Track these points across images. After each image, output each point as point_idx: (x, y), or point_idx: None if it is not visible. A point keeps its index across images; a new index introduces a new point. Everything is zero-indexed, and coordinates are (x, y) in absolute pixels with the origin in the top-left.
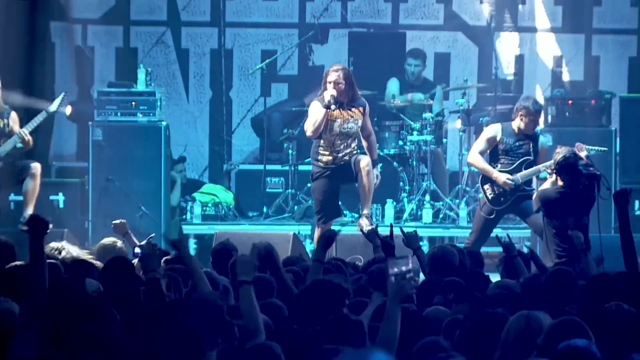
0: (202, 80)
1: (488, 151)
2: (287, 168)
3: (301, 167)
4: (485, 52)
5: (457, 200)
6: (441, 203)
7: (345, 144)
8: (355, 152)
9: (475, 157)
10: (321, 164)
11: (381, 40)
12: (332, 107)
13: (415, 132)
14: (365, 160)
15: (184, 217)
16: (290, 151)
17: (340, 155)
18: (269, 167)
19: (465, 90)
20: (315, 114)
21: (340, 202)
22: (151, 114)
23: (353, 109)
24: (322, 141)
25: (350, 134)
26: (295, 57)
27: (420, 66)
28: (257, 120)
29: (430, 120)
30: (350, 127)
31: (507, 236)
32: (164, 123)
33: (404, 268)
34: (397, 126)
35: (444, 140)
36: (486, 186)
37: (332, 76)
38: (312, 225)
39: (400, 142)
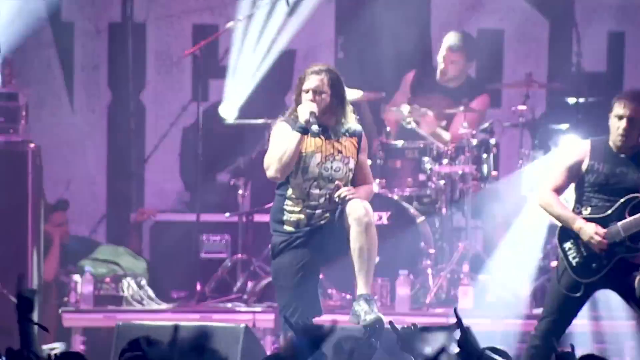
0: (95, 74)
1: (569, 186)
2: (235, 219)
3: (258, 218)
4: (560, 30)
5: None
6: (489, 280)
7: (327, 196)
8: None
9: (548, 197)
10: (288, 228)
11: (390, 11)
12: (313, 129)
13: (446, 159)
14: (359, 208)
15: (65, 299)
16: (239, 192)
17: (318, 212)
18: (205, 217)
19: (528, 91)
20: (281, 142)
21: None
22: (11, 131)
23: (342, 140)
24: (289, 189)
25: (334, 178)
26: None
27: (461, 60)
28: (187, 142)
29: (471, 139)
30: (337, 167)
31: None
32: (32, 145)
33: None
34: (417, 150)
35: (495, 171)
36: (567, 244)
37: (312, 81)
38: (277, 312)
39: (422, 176)
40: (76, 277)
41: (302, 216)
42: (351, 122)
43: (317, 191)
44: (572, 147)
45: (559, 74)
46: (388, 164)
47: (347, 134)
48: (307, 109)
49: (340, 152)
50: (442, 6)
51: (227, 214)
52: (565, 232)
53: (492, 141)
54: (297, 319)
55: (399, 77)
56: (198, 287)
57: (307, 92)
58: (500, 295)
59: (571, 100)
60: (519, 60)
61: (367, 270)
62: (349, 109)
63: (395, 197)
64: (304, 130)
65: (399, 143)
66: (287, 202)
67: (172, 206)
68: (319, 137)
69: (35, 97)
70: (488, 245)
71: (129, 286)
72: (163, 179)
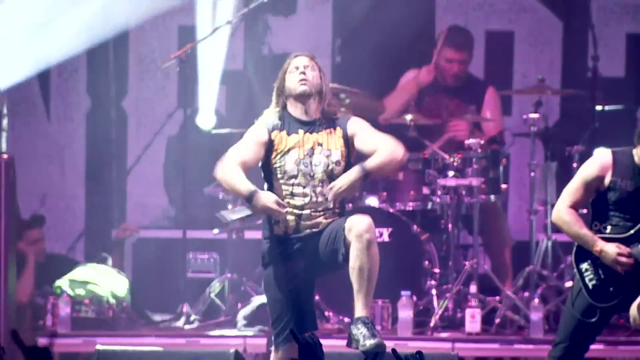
0: (73, 79)
1: (588, 202)
2: (224, 236)
3: (249, 234)
4: (575, 31)
5: (528, 294)
6: (499, 299)
7: (313, 193)
8: (336, 209)
9: (565, 215)
10: (278, 231)
11: (391, 12)
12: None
13: (452, 172)
14: (361, 223)
15: (41, 322)
16: (228, 206)
17: (306, 212)
18: (192, 234)
19: (540, 98)
20: (234, 174)
21: (314, 305)
22: None
23: (326, 132)
24: (274, 192)
25: (318, 173)
26: (240, 40)
27: (466, 61)
28: (172, 153)
29: (478, 149)
30: (317, 162)
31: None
32: (4, 156)
33: None
34: (420, 161)
35: (504, 184)
36: (584, 265)
37: (302, 59)
38: (270, 337)
39: (426, 189)
40: (53, 299)
41: (290, 217)
42: (335, 110)
43: (300, 189)
44: (592, 160)
45: (573, 79)
46: (389, 176)
47: (329, 126)
48: (296, 77)
49: (320, 144)
50: (447, 6)
51: (216, 230)
52: (582, 252)
53: (502, 152)
54: (288, 335)
55: (396, 79)
56: (184, 309)
57: (297, 68)
58: (510, 319)
59: (587, 107)
60: (530, 65)
61: (367, 291)
62: (334, 100)
63: (397, 213)
64: (248, 199)
65: None
66: None
67: (156, 222)
68: (297, 133)
69: (7, 104)
70: (497, 264)
71: (109, 308)
72: (146, 192)
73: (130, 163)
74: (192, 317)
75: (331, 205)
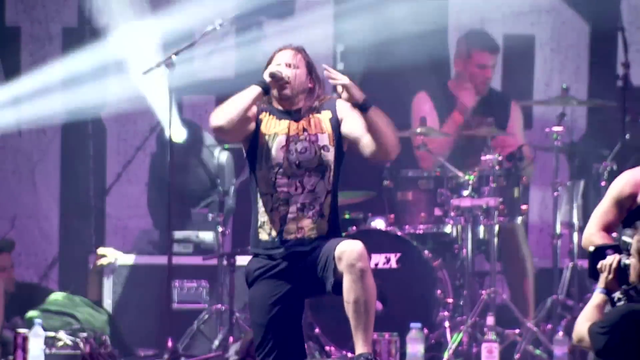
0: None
1: (620, 222)
2: (214, 262)
3: (242, 261)
4: (604, 36)
5: (551, 326)
6: (519, 332)
7: (299, 184)
8: (325, 217)
9: (597, 239)
10: (263, 237)
11: (400, 15)
12: (277, 74)
13: (467, 191)
14: (351, 251)
15: (10, 358)
16: (217, 227)
17: (292, 210)
18: (178, 260)
19: (564, 109)
20: (235, 96)
21: (302, 332)
22: None
23: (312, 116)
24: (258, 186)
25: (304, 161)
26: (231, 46)
27: (495, 63)
28: (156, 170)
29: (496, 167)
30: (302, 148)
31: None
32: None
33: None
34: (432, 179)
35: (524, 205)
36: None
37: (284, 55)
38: None
39: (438, 211)
40: (24, 332)
41: (275, 218)
42: (323, 98)
43: (284, 180)
44: (622, 178)
45: (601, 88)
46: (397, 197)
47: (316, 110)
48: (272, 67)
49: (305, 129)
50: (462, 9)
51: (205, 257)
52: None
53: (522, 169)
54: None
55: (410, 93)
56: (169, 343)
57: (279, 66)
58: (531, 354)
59: (617, 119)
60: (553, 72)
61: (366, 325)
62: (321, 89)
63: (406, 236)
64: (265, 86)
65: (410, 171)
66: (259, 203)
67: (138, 247)
68: (286, 119)
69: None
70: (516, 294)
71: (86, 342)
72: (127, 214)
73: (110, 181)
74: (179, 353)
75: (318, 208)
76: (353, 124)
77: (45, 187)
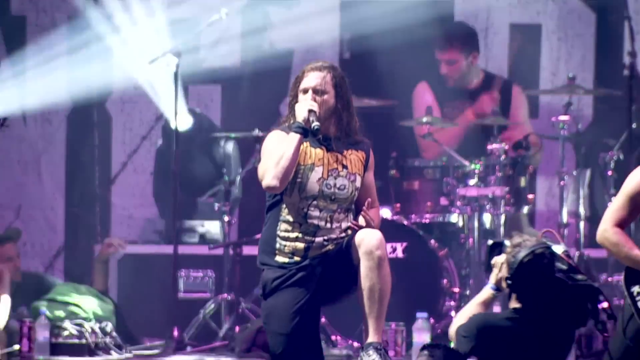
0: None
1: (636, 218)
2: (220, 252)
3: (248, 250)
4: (610, 24)
5: None
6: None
7: (329, 219)
8: (345, 239)
9: (612, 235)
10: (280, 259)
11: (406, 3)
12: (314, 126)
13: (473, 180)
14: (371, 238)
15: (17, 347)
16: (224, 216)
17: (318, 240)
18: (184, 250)
19: (571, 98)
20: (279, 146)
21: (319, 339)
22: None
23: (347, 153)
24: (283, 210)
25: (340, 198)
26: (237, 35)
27: (458, 58)
28: (162, 160)
29: (502, 156)
30: (341, 185)
31: None
32: None
33: None
34: (438, 169)
35: (531, 194)
36: (636, 288)
37: (312, 78)
38: None
39: (444, 200)
40: (29, 322)
41: (299, 245)
42: (357, 132)
43: (316, 213)
44: (637, 174)
45: (608, 77)
46: (403, 186)
47: (352, 147)
48: (305, 106)
49: (345, 167)
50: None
51: (211, 246)
52: (634, 274)
53: (528, 158)
54: None
55: (415, 81)
56: (175, 333)
57: (306, 91)
58: None
59: (623, 108)
60: (559, 62)
61: (379, 314)
62: (355, 116)
63: (412, 226)
64: (304, 131)
65: (417, 160)
66: (281, 226)
67: (144, 236)
68: (321, 148)
69: None
70: None
71: (92, 332)
72: (133, 203)
73: (115, 171)
74: (185, 342)
75: (342, 235)
76: (367, 189)
77: (50, 177)
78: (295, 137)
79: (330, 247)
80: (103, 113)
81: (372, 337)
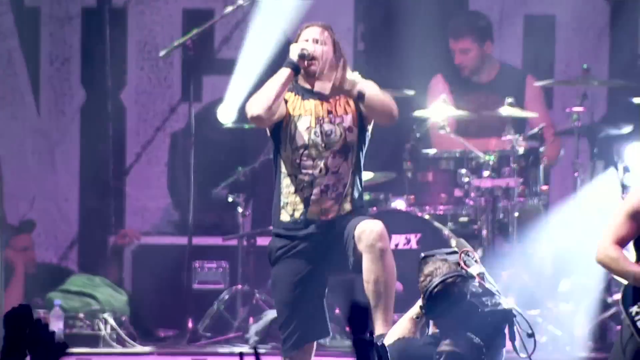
0: (65, 69)
1: (635, 236)
2: (234, 243)
3: (262, 241)
4: (625, 15)
5: (571, 307)
6: (539, 316)
7: (324, 167)
8: (348, 197)
9: (612, 251)
10: (284, 219)
11: None
12: (305, 53)
13: (487, 172)
14: (371, 231)
15: None
16: (238, 209)
17: (315, 192)
18: (198, 240)
19: (585, 90)
20: (269, 82)
21: (325, 310)
22: None
23: (338, 100)
24: (281, 166)
25: (331, 143)
26: (251, 25)
27: (471, 47)
28: (176, 151)
29: (517, 147)
30: (328, 130)
31: None
32: None
33: None
34: (452, 160)
35: (545, 186)
36: (634, 308)
37: (311, 31)
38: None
39: (458, 191)
40: (43, 313)
41: (297, 198)
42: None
43: (309, 162)
44: (636, 192)
45: (623, 68)
46: (418, 177)
47: (340, 92)
48: (300, 45)
49: (330, 112)
50: None
51: (225, 237)
52: (631, 294)
53: (542, 150)
54: (296, 340)
55: (430, 73)
56: (190, 324)
57: (306, 41)
58: (552, 335)
59: (637, 100)
60: (574, 53)
61: (385, 306)
62: (346, 72)
63: (427, 216)
64: (295, 67)
65: (431, 151)
66: (283, 182)
67: (158, 227)
68: (312, 100)
69: None
70: (537, 275)
71: (106, 323)
72: (147, 194)
73: (129, 162)
74: (199, 333)
75: (341, 190)
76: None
77: (64, 168)
78: (284, 71)
79: (331, 204)
80: (117, 104)
81: (381, 329)
